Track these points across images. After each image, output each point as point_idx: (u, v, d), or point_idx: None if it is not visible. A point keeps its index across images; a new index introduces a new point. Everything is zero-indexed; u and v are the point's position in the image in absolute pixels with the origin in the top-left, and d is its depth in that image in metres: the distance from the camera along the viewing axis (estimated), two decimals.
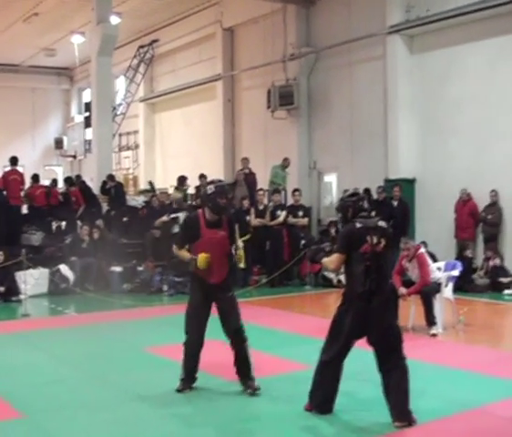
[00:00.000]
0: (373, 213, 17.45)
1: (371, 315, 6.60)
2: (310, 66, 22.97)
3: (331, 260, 6.94)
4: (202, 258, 7.35)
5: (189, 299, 7.82)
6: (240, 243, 7.93)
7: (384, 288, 6.72)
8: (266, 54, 23.71)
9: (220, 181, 8.05)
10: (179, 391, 7.70)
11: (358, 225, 6.72)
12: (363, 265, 6.56)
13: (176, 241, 7.91)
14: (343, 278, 12.79)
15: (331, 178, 22.95)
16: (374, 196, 18.52)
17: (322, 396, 6.84)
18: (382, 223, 6.82)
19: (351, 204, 6.96)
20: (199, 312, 7.63)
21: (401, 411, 6.53)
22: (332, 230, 17.63)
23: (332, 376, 6.79)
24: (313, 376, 6.89)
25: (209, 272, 7.47)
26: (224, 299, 7.62)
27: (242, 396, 7.53)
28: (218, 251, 7.49)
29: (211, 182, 7.87)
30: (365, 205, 6.98)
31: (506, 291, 15.61)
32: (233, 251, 7.80)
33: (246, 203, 17.86)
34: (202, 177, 19.85)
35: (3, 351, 10.35)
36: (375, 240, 6.61)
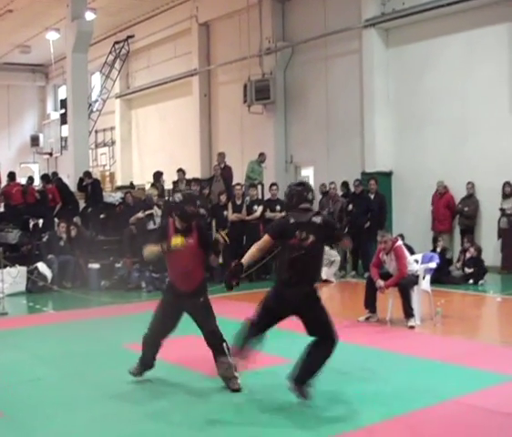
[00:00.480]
0: (351, 206, 17.56)
1: (291, 300, 6.84)
2: (286, 61, 23.01)
3: (256, 243, 7.14)
4: (177, 237, 7.50)
5: (160, 300, 8.02)
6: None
7: (307, 280, 6.90)
8: (242, 48, 23.72)
9: (188, 190, 8.17)
10: (132, 373, 7.89)
11: (291, 220, 6.92)
12: (290, 256, 6.78)
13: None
14: (322, 273, 13.07)
15: (308, 172, 23.02)
16: (352, 189, 18.58)
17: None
18: (316, 219, 6.96)
19: (295, 193, 7.11)
20: (164, 315, 7.80)
21: (300, 376, 6.82)
22: None
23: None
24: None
25: (181, 282, 7.62)
26: (196, 305, 7.62)
27: (221, 391, 7.51)
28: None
29: (179, 191, 8.01)
30: (310, 196, 7.13)
31: (471, 281, 15.74)
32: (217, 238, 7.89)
33: (223, 198, 17.80)
34: (180, 170, 19.81)
35: None
36: (304, 235, 6.79)
